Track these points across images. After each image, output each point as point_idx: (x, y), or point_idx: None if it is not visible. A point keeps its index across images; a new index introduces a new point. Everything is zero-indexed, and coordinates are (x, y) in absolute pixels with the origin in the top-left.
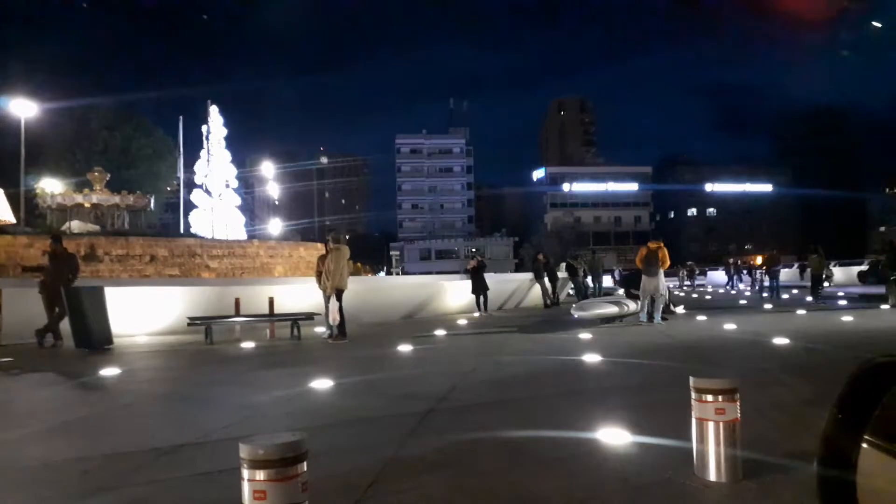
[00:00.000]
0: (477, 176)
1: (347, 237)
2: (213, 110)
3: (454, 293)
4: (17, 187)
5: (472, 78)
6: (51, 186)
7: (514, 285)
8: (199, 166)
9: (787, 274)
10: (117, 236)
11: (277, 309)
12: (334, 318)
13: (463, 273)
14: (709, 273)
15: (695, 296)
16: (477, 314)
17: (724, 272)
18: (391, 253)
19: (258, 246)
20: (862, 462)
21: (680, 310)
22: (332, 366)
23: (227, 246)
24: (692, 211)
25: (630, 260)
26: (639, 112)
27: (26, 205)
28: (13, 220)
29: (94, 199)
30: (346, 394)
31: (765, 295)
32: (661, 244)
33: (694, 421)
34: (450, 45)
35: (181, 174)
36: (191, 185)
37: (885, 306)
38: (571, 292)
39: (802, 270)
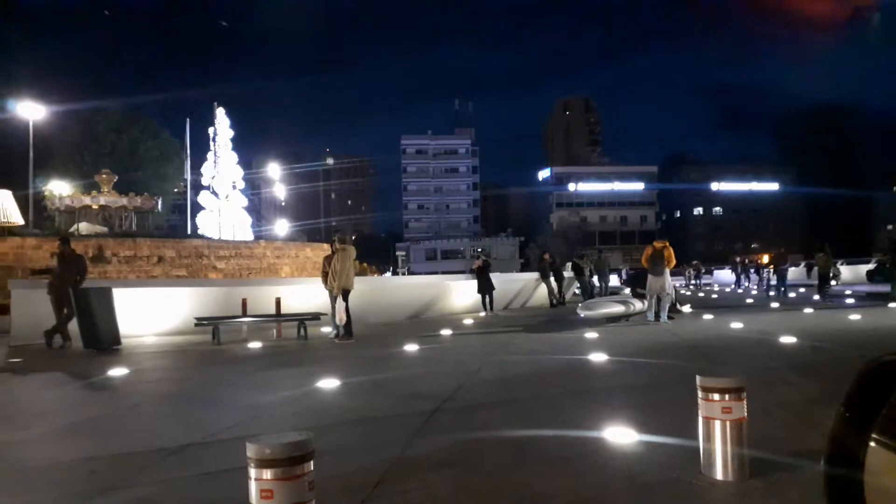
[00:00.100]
0: (482, 176)
1: (353, 238)
2: (220, 112)
3: (460, 293)
4: (26, 189)
5: (477, 79)
6: (59, 188)
7: (519, 285)
8: (205, 168)
9: (793, 272)
10: (125, 238)
11: (284, 309)
12: (341, 318)
13: (469, 273)
14: (715, 272)
15: (701, 295)
16: (483, 314)
17: (730, 271)
18: (397, 253)
19: (265, 247)
20: (869, 460)
21: (686, 309)
22: (339, 366)
23: (234, 247)
24: (698, 210)
25: (636, 259)
26: (643, 112)
27: (35, 207)
28: (22, 222)
29: (102, 200)
30: (352, 393)
31: (771, 294)
32: (667, 243)
33: (700, 420)
34: (454, 46)
35: (188, 176)
36: (198, 187)
37: (893, 305)
38: (577, 292)
39: (809, 269)
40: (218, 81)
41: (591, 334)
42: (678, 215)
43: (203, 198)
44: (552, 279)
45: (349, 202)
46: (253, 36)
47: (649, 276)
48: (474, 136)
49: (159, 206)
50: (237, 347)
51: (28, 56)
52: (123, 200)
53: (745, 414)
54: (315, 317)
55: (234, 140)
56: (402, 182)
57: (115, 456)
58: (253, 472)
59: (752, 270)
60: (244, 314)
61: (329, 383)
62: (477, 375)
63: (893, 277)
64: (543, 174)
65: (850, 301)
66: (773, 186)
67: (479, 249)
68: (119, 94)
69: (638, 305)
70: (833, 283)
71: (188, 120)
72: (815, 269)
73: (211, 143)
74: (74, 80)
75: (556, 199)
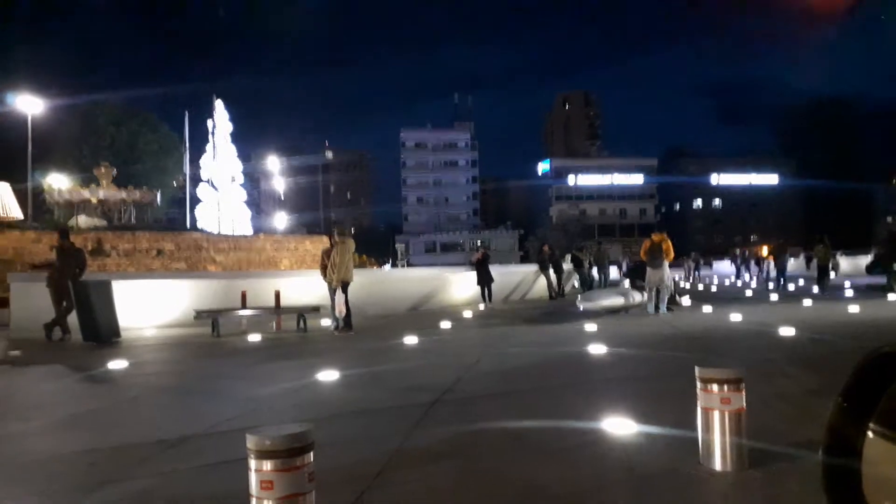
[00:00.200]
0: (482, 169)
1: (352, 230)
2: (219, 105)
3: (459, 285)
4: (25, 183)
5: (476, 73)
6: (58, 182)
7: (519, 277)
8: (204, 161)
9: (793, 264)
10: (124, 231)
11: (283, 302)
12: (340, 310)
13: (468, 265)
14: (714, 264)
15: (700, 287)
16: (482, 306)
17: (730, 263)
18: (396, 246)
19: (264, 240)
20: (867, 451)
21: (686, 301)
22: (338, 358)
23: (234, 240)
24: (697, 203)
25: (635, 252)
26: (643, 105)
27: (34, 200)
28: (21, 216)
29: (101, 194)
30: (352, 385)
31: (770, 285)
32: (665, 236)
33: (700, 410)
34: (454, 42)
35: (187, 169)
36: (197, 180)
37: (892, 296)
38: (577, 284)
39: (808, 261)
40: (217, 75)
41: (591, 326)
42: (677, 208)
43: (202, 191)
44: (551, 271)
45: (348, 195)
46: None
47: (648, 269)
48: (473, 130)
49: (158, 200)
50: (237, 340)
51: (27, 49)
52: (122, 194)
53: (744, 405)
54: (314, 309)
55: (233, 134)
56: (402, 175)
57: (115, 448)
58: (253, 464)
59: (752, 262)
60: (243, 307)
61: (328, 375)
62: (476, 367)
63: (890, 270)
64: (543, 167)
65: (848, 293)
66: (773, 179)
67: (479, 242)
68: (118, 88)
69: (637, 298)
70: (832, 274)
71: (187, 113)
72: (815, 261)
73: (210, 137)
74: (73, 74)
75: (556, 192)
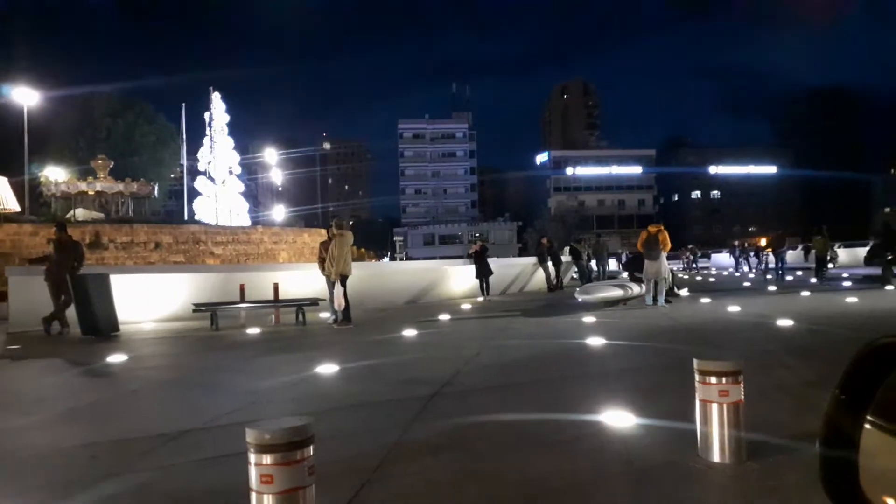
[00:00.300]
0: (480, 160)
1: (351, 223)
2: (216, 97)
3: (458, 278)
4: (22, 176)
5: (474, 62)
6: (55, 174)
7: (517, 269)
8: (202, 153)
9: (791, 256)
10: (122, 224)
11: (282, 295)
12: (339, 303)
13: (466, 257)
14: (712, 255)
15: (699, 278)
16: (481, 298)
17: (728, 254)
18: (395, 238)
19: (262, 232)
20: (864, 443)
21: (684, 292)
22: (337, 351)
23: (232, 232)
24: (696, 193)
25: (633, 243)
26: (642, 95)
27: (31, 193)
28: (18, 209)
29: (98, 186)
30: (351, 379)
31: (769, 277)
32: (662, 227)
33: (698, 403)
34: (452, 31)
35: (184, 161)
36: (194, 172)
37: (889, 287)
38: (575, 276)
39: (807, 252)
40: (214, 66)
41: (589, 318)
42: (676, 199)
43: (199, 183)
44: (550, 264)
45: (346, 187)
46: (249, 21)
47: (645, 261)
48: (471, 121)
49: (156, 192)
50: (235, 333)
51: (23, 41)
52: (120, 186)
53: (742, 397)
54: (313, 302)
55: (230, 125)
56: (400, 167)
57: (115, 442)
58: (253, 458)
59: (751, 254)
60: (242, 300)
61: (327, 368)
62: (475, 360)
63: (884, 261)
64: (541, 158)
65: (847, 284)
66: (771, 170)
67: (477, 234)
68: (114, 79)
69: (636, 289)
70: (830, 265)
71: (183, 105)
72: (813, 252)
73: (207, 129)
74: (69, 66)
75: (554, 183)
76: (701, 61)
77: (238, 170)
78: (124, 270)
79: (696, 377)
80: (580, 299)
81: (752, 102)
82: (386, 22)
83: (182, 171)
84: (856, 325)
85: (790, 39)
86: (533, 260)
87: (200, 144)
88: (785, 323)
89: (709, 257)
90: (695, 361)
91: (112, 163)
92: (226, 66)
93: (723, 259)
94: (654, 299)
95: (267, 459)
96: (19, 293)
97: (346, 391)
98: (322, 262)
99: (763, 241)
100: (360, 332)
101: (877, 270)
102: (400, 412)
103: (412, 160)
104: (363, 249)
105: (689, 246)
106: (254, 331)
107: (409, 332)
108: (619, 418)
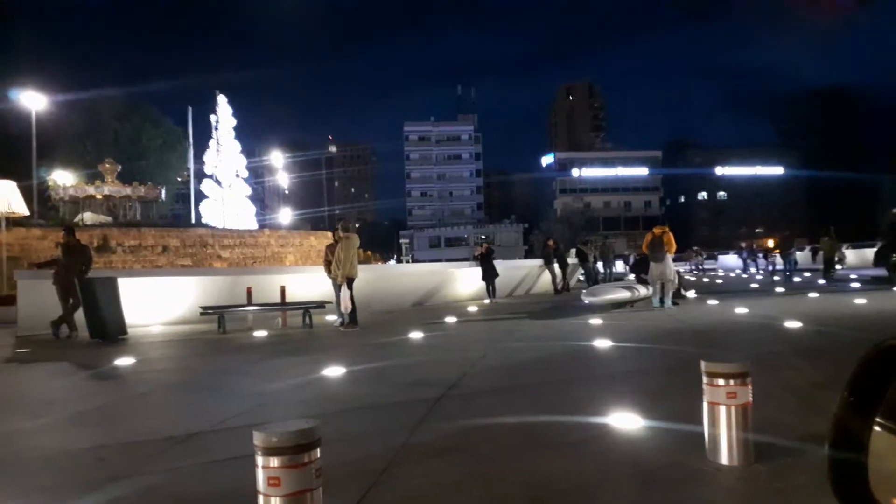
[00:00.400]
0: (486, 163)
1: (357, 226)
2: (222, 100)
3: (464, 280)
4: (30, 180)
5: (479, 65)
6: (63, 178)
7: (523, 272)
8: (208, 157)
9: (799, 257)
10: (129, 227)
11: (289, 298)
12: (345, 306)
13: (472, 260)
14: (719, 257)
15: (706, 280)
16: (487, 301)
17: (736, 256)
18: (401, 241)
19: (269, 235)
20: (873, 445)
21: (691, 294)
22: (344, 353)
23: (239, 235)
24: (702, 195)
25: (639, 245)
26: (647, 97)
27: (39, 197)
28: (27, 213)
29: (106, 190)
30: (357, 381)
31: (776, 278)
32: (667, 229)
33: (706, 405)
34: (457, 32)
35: (191, 165)
36: (201, 176)
37: None
38: (582, 278)
39: (814, 253)
40: (220, 69)
41: (596, 320)
42: (682, 200)
43: (206, 186)
44: (556, 266)
45: (352, 190)
46: (255, 24)
47: (651, 263)
48: (477, 123)
49: (163, 196)
50: (243, 336)
51: (30, 46)
52: (127, 190)
53: (750, 399)
54: (320, 305)
55: (236, 128)
56: (405, 169)
57: (123, 444)
58: (260, 460)
59: (759, 255)
60: (249, 303)
61: (334, 371)
62: (481, 362)
63: (890, 260)
64: (547, 160)
65: (855, 285)
66: (778, 170)
67: (483, 237)
68: (121, 83)
69: (643, 291)
70: (838, 267)
71: (190, 108)
72: (821, 253)
73: (213, 132)
74: (76, 69)
75: (560, 185)
76: (703, 61)
77: (245, 173)
78: (132, 274)
79: (704, 379)
80: (587, 301)
81: (758, 103)
82: (391, 24)
83: (189, 175)
84: (864, 326)
85: (795, 39)
86: (539, 262)
87: (207, 148)
88: (792, 324)
89: (715, 259)
90: (702, 363)
91: (119, 166)
92: (231, 70)
93: (730, 261)
94: (662, 301)
95: (274, 462)
96: (28, 297)
97: (352, 394)
98: (328, 264)
99: (771, 243)
100: (366, 334)
101: (884, 271)
102: (406, 415)
103: (418, 162)
104: (369, 252)
105: (695, 248)
106: (261, 334)
107: (416, 335)
108: (625, 420)
